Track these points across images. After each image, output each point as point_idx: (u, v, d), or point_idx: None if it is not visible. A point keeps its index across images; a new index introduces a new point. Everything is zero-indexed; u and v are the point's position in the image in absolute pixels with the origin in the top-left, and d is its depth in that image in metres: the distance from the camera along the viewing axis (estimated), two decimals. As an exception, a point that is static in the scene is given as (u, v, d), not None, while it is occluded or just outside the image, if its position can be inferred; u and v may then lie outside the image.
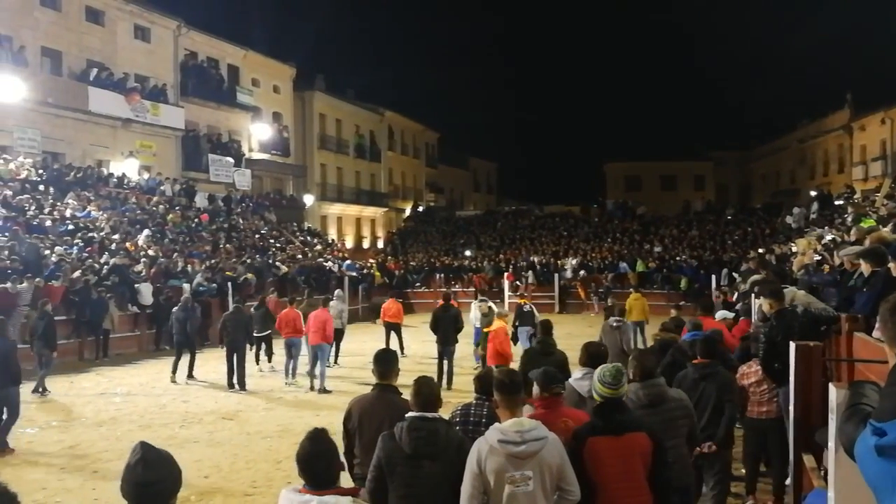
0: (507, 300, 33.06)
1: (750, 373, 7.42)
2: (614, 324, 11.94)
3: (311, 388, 14.72)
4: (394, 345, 19.95)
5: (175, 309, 16.81)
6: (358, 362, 17.62)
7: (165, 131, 32.33)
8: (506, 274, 35.24)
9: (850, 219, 14.65)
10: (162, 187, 30.33)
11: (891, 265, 4.76)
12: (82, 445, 10.55)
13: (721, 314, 10.99)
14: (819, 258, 9.28)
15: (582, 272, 34.56)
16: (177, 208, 29.30)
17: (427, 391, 4.39)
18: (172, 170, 32.75)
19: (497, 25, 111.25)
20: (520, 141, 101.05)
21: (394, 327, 19.82)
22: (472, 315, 17.66)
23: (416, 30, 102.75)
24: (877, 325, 1.95)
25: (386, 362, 5.39)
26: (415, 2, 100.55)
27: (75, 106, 28.05)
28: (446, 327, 15.03)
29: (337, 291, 20.86)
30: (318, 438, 3.41)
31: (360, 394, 5.62)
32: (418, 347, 20.42)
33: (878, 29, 60.53)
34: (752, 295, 10.05)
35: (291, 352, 15.61)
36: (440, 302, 16.06)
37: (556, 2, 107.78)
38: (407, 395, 4.88)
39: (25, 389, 14.11)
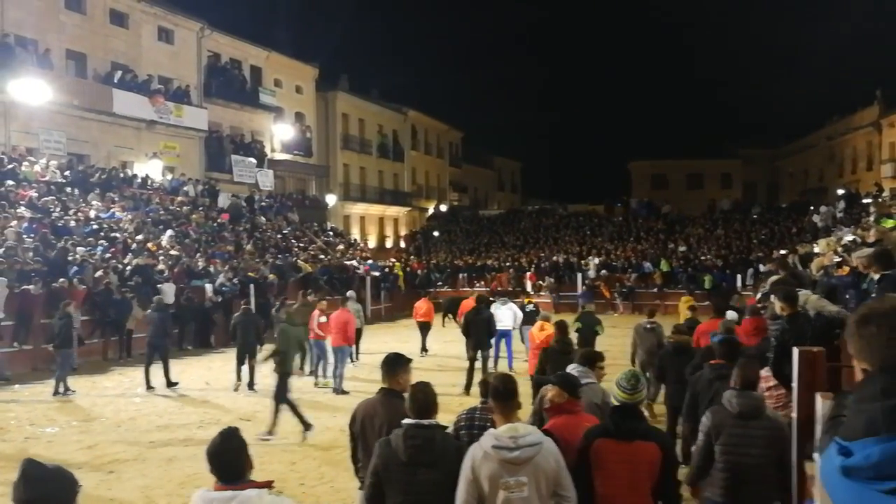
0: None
1: (768, 376, 7.31)
2: (648, 325, 12.09)
3: (334, 390, 14.78)
4: (428, 342, 20.15)
5: (149, 311, 16.25)
6: (378, 361, 17.56)
7: (189, 132, 32.61)
8: (528, 274, 35.16)
9: (872, 218, 14.39)
10: (185, 188, 30.60)
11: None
12: (101, 446, 10.63)
13: (729, 315, 10.86)
14: (839, 259, 9.11)
15: (604, 271, 34.33)
16: (200, 209, 29.53)
17: (423, 397, 4.34)
18: (196, 170, 33.04)
19: (521, 24, 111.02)
20: (545, 140, 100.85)
21: (425, 326, 20.09)
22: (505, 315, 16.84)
23: (439, 29, 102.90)
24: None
25: (393, 365, 5.33)
26: (438, 1, 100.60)
27: (100, 108, 28.37)
28: (479, 330, 14.63)
29: (350, 292, 20.75)
30: (228, 435, 3.48)
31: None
32: (439, 348, 20.42)
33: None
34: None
35: (319, 354, 15.67)
36: (472, 303, 15.61)
37: (582, 0, 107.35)
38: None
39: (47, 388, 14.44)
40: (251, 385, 14.94)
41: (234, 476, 3.37)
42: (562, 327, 9.49)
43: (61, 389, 14.32)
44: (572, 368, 5.93)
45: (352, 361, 17.25)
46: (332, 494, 8.17)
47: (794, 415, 4.26)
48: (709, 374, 6.53)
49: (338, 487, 8.48)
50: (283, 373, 10.99)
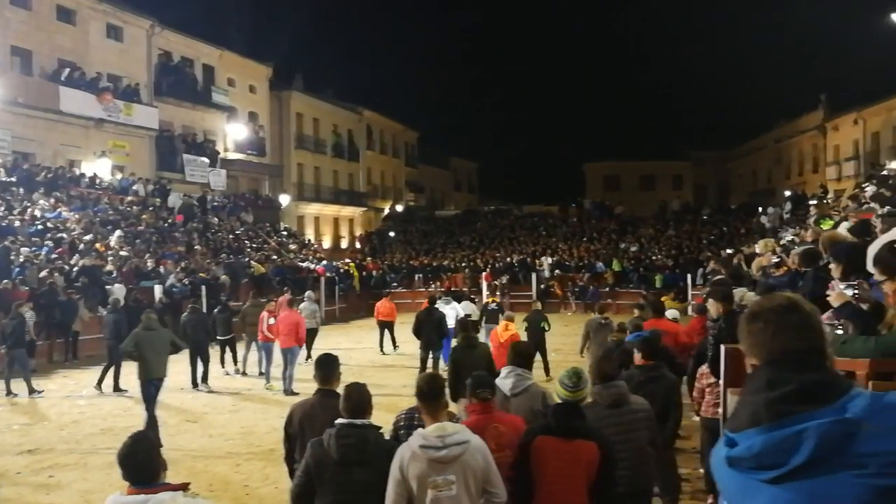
0: (484, 300, 33.19)
1: (707, 373, 7.48)
2: (602, 321, 12.52)
3: (284, 391, 14.68)
4: (387, 343, 20.15)
5: (105, 313, 16.18)
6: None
7: (139, 131, 32.08)
8: (484, 274, 35.29)
9: (812, 219, 14.80)
10: (135, 187, 30.11)
11: (831, 266, 4.76)
12: (41, 450, 10.42)
13: (671, 313, 11.07)
14: (777, 259, 9.30)
15: (557, 271, 34.66)
16: (150, 209, 29.09)
17: (357, 397, 4.36)
18: (146, 170, 32.52)
19: (476, 25, 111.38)
20: (501, 141, 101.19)
21: (387, 326, 20.23)
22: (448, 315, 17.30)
23: (395, 29, 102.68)
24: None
25: (327, 366, 5.36)
26: (394, 1, 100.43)
27: (46, 106, 27.78)
28: (430, 331, 14.82)
29: (308, 293, 20.82)
30: (138, 438, 3.49)
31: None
32: (389, 348, 20.43)
33: (853, 31, 61.19)
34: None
35: (266, 355, 15.54)
36: (424, 304, 15.93)
37: (539, 1, 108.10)
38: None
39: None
40: (200, 382, 15.02)
41: (147, 478, 3.34)
42: (464, 325, 9.86)
43: (36, 389, 14.45)
44: (510, 371, 5.86)
45: (307, 360, 17.21)
46: (276, 496, 8.12)
47: (721, 410, 4.36)
48: (639, 376, 6.67)
49: (282, 489, 8.40)
50: (146, 380, 10.77)
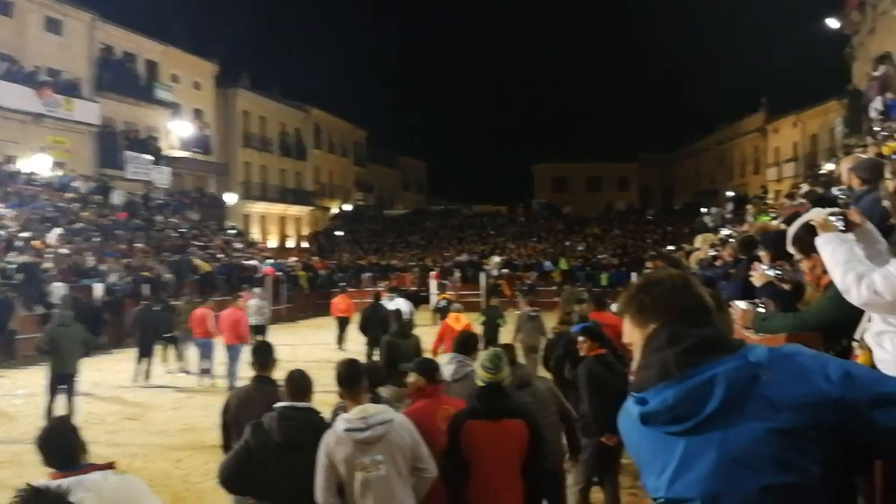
0: (433, 299, 33.29)
1: None
2: (531, 314, 13.18)
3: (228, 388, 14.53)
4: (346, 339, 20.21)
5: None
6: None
7: (79, 127, 31.35)
8: (432, 273, 35.37)
9: (749, 216, 15.22)
10: (75, 184, 29.43)
11: (761, 253, 4.92)
12: (-28, 449, 10.15)
13: (614, 308, 11.29)
14: (714, 253, 9.54)
15: (505, 270, 34.91)
16: (91, 206, 28.47)
17: (299, 378, 4.38)
18: (87, 167, 31.81)
19: (426, 26, 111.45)
20: (450, 141, 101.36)
21: (345, 321, 20.38)
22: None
23: (344, 27, 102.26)
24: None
25: (264, 353, 5.38)
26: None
27: (-18, 100, 27.00)
28: (375, 328, 14.80)
29: (256, 289, 20.72)
30: (57, 421, 3.56)
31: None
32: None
33: (792, 35, 62.97)
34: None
35: (203, 352, 15.35)
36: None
37: (488, 2, 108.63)
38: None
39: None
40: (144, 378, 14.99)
41: (69, 461, 3.29)
42: (398, 316, 10.68)
43: None
44: (452, 357, 5.93)
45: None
46: (216, 491, 7.97)
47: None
48: (590, 365, 6.79)
49: (223, 482, 8.37)
50: (57, 374, 11.08)
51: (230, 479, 4.29)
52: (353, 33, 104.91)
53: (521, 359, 9.24)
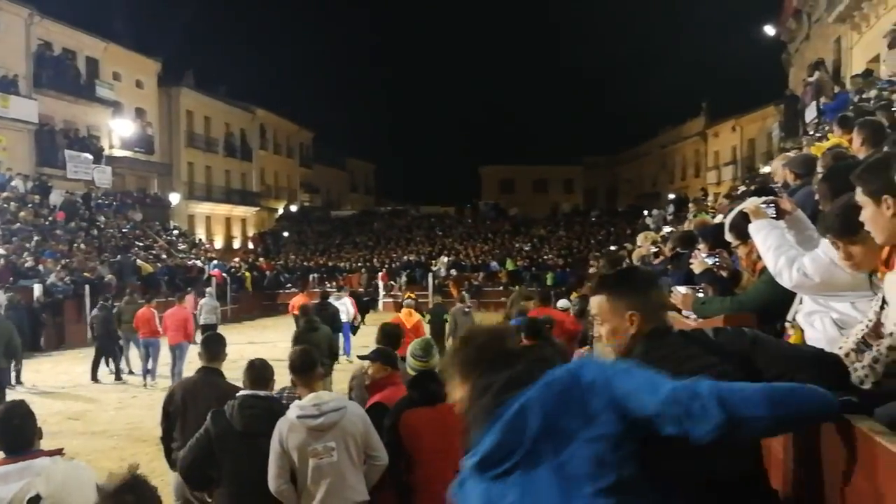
0: (381, 300, 33.34)
1: (585, 352, 7.93)
2: (466, 310, 14.13)
3: None
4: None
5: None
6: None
7: (17, 125, 30.45)
8: (380, 274, 35.39)
9: (691, 215, 15.67)
10: (13, 183, 28.65)
11: (700, 245, 5.11)
12: None
13: (562, 303, 11.55)
14: (656, 250, 9.79)
15: (453, 271, 35.09)
16: (29, 206, 27.76)
17: (260, 365, 4.43)
18: (25, 165, 30.95)
19: (374, 25, 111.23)
20: (398, 142, 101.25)
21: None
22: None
23: (290, 27, 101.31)
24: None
25: (215, 344, 5.39)
26: None
27: (-87, 95, 26.11)
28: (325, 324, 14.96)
29: (208, 289, 20.68)
30: (13, 405, 3.48)
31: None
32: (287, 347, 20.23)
33: (732, 41, 64.48)
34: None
35: (149, 352, 15.18)
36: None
37: (435, 2, 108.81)
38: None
39: None
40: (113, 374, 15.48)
41: (22, 445, 3.27)
42: (305, 310, 11.48)
43: None
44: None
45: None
46: (162, 488, 7.93)
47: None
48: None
49: (168, 481, 8.28)
50: None
51: (191, 467, 4.30)
52: (300, 33, 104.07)
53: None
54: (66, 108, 33.95)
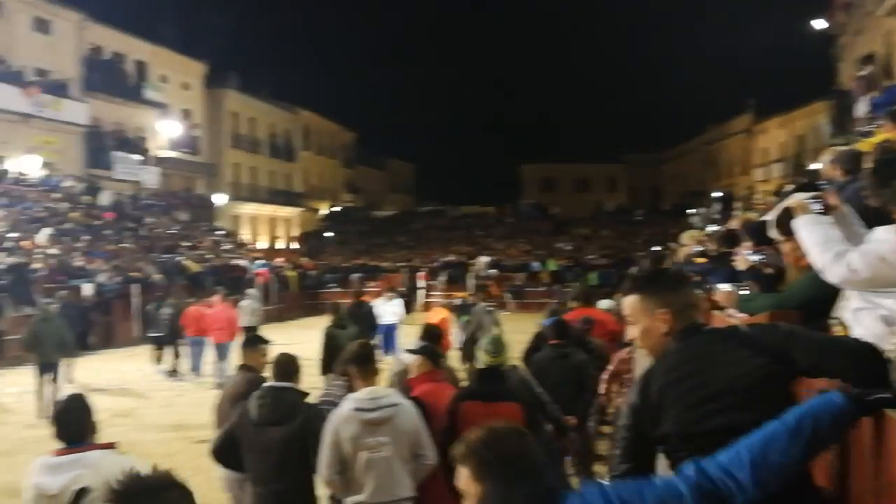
0: (420, 299, 33.40)
1: (625, 357, 7.85)
2: (489, 309, 14.64)
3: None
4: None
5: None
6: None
7: (68, 127, 31.26)
8: (420, 273, 35.48)
9: (737, 213, 15.42)
10: (64, 184, 29.36)
11: (744, 242, 5.04)
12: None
13: (605, 303, 11.40)
14: (701, 249, 9.65)
15: (493, 270, 34.96)
16: (80, 206, 28.43)
17: (284, 362, 4.52)
18: (76, 167, 31.74)
19: (415, 26, 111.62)
20: (438, 143, 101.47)
21: None
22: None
23: (333, 28, 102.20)
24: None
25: (254, 345, 5.52)
26: (332, 0, 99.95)
27: (-30, 100, 26.91)
28: (360, 323, 14.94)
29: (250, 290, 20.85)
30: (72, 398, 3.57)
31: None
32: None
33: (780, 36, 63.37)
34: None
35: (198, 350, 15.45)
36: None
37: (475, 2, 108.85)
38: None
39: None
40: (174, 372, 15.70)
41: (76, 438, 3.38)
42: (335, 308, 11.46)
43: None
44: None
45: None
46: (207, 484, 8.03)
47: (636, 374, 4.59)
48: (550, 354, 7.01)
49: (214, 476, 8.43)
50: (41, 364, 12.15)
51: (219, 451, 4.59)
52: (342, 35, 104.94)
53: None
54: (115, 111, 34.71)
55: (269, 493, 4.31)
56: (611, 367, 7.90)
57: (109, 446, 3.41)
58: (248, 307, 18.19)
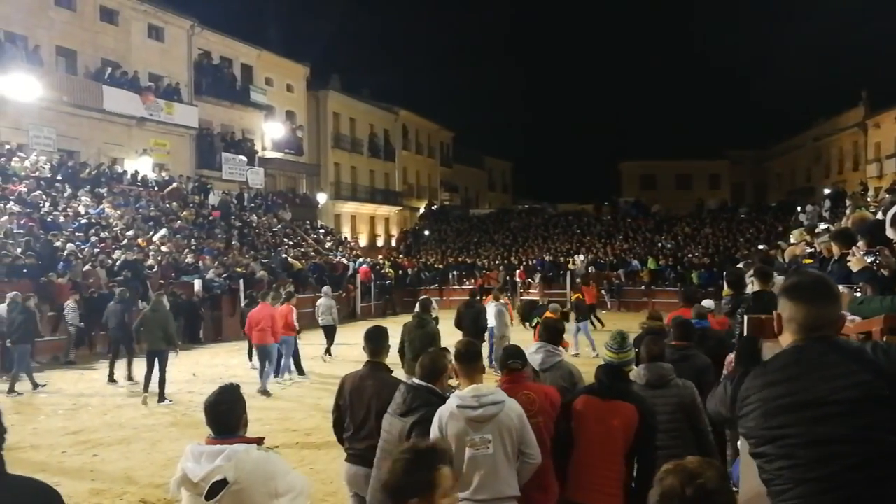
0: (518, 297, 33.31)
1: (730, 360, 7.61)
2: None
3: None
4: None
5: (111, 302, 15.74)
6: (353, 355, 16.55)
7: (179, 130, 32.71)
8: (517, 272, 35.39)
9: (848, 210, 14.70)
10: (176, 185, 30.66)
11: (859, 242, 4.83)
12: (85, 432, 10.77)
13: (707, 303, 11.06)
14: (811, 250, 9.30)
15: (591, 268, 34.52)
16: (191, 206, 29.64)
17: (427, 363, 4.52)
18: (186, 168, 33.14)
19: (512, 24, 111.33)
20: (536, 140, 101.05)
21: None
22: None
23: (430, 28, 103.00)
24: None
25: (376, 339, 5.37)
26: (429, 1, 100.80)
27: (90, 104, 28.43)
28: (469, 323, 14.67)
29: (325, 288, 20.34)
30: (226, 389, 3.56)
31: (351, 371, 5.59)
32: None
33: (893, 27, 60.18)
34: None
35: (285, 349, 14.96)
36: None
37: (573, 2, 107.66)
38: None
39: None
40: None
41: (226, 429, 3.42)
42: (424, 305, 11.05)
43: (30, 387, 13.89)
44: (540, 347, 5.90)
45: (327, 355, 17.95)
46: (311, 475, 8.33)
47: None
48: (671, 356, 6.72)
49: (318, 469, 8.71)
50: (148, 351, 13.21)
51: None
52: (440, 35, 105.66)
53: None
54: (223, 113, 36.05)
55: None
56: (725, 372, 7.66)
57: (257, 441, 3.43)
58: (324, 306, 17.98)
